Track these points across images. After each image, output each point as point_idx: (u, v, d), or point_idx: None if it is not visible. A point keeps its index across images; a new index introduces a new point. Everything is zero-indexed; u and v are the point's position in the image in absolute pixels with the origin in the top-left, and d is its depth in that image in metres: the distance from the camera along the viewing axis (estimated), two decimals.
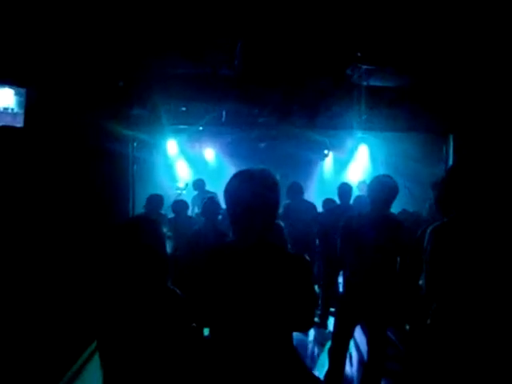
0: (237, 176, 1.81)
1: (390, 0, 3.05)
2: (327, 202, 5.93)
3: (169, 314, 1.81)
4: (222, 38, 3.59)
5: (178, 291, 1.88)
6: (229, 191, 1.80)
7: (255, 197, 1.73)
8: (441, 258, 2.28)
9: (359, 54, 3.86)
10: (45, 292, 3.65)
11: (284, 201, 5.79)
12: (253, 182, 1.76)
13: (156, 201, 5.45)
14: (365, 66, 4.14)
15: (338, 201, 5.68)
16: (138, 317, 1.78)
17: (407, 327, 4.36)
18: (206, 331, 1.84)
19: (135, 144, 6.25)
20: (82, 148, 4.59)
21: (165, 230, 5.22)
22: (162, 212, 5.61)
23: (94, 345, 3.27)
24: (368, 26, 3.40)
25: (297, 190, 5.60)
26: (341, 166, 9.10)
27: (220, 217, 4.22)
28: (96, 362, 1.90)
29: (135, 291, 1.81)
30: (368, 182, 5.80)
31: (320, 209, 5.90)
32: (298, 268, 1.75)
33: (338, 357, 3.51)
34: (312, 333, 5.06)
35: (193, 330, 1.87)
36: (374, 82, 4.68)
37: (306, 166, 8.90)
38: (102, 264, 2.07)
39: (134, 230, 1.85)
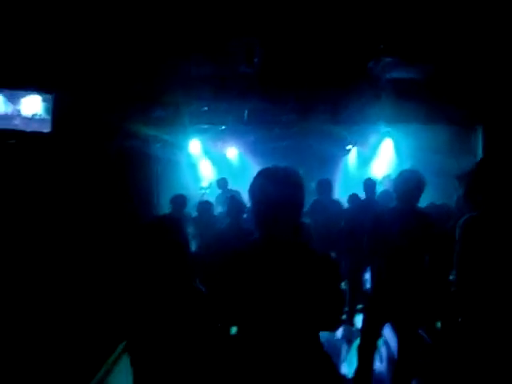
0: (261, 174, 1.81)
1: None
2: (353, 198, 5.87)
3: (195, 312, 1.82)
4: (241, 37, 3.59)
5: (203, 290, 1.89)
6: (253, 190, 1.80)
7: (280, 195, 1.72)
8: (472, 252, 2.22)
9: (381, 47, 3.78)
10: (74, 291, 3.73)
11: (312, 197, 5.76)
12: (277, 181, 1.75)
13: (180, 201, 5.50)
14: (387, 59, 4.05)
15: (363, 196, 5.61)
16: (166, 316, 1.79)
17: (438, 325, 4.27)
18: (233, 330, 1.85)
19: (159, 145, 6.33)
20: (107, 150, 4.67)
21: (189, 229, 5.30)
22: (187, 211, 5.66)
23: (122, 346, 3.31)
24: (389, 17, 3.32)
25: (326, 187, 5.57)
26: (365, 161, 8.98)
27: (245, 215, 4.22)
28: (125, 363, 1.93)
29: (161, 290, 1.83)
30: (392, 176, 5.71)
31: (345, 204, 5.84)
32: (324, 267, 1.74)
33: (367, 354, 3.47)
34: (339, 330, 5.01)
35: (218, 328, 1.88)
36: (396, 74, 4.58)
37: (329, 161, 8.83)
38: (130, 263, 2.09)
39: (158, 230, 1.87)
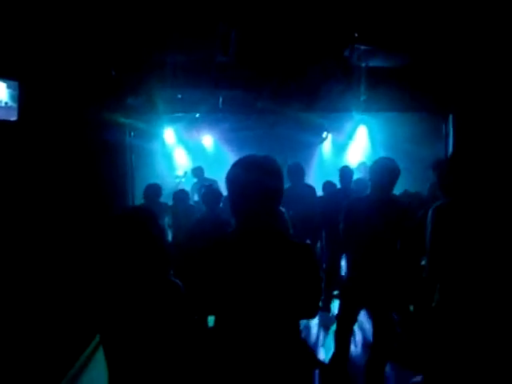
0: (238, 164, 1.78)
1: None
2: (327, 185, 5.90)
3: (170, 306, 1.80)
4: (216, 25, 3.51)
5: (179, 283, 1.87)
6: (230, 179, 1.77)
7: (258, 184, 1.71)
8: (443, 237, 2.28)
9: (356, 35, 3.79)
10: (45, 286, 3.64)
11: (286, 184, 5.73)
12: (255, 170, 1.73)
13: (154, 190, 5.42)
14: (363, 47, 4.07)
15: (338, 184, 5.65)
16: (140, 309, 1.76)
17: (411, 309, 4.39)
18: (211, 322, 1.83)
19: (132, 133, 6.20)
20: (78, 139, 4.55)
21: (166, 219, 5.23)
22: (162, 200, 5.59)
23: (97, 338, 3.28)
24: (364, 5, 3.32)
25: (298, 173, 5.48)
26: (340, 148, 9.06)
27: (221, 204, 4.20)
28: (101, 355, 1.89)
29: (135, 283, 1.79)
30: (368, 163, 5.77)
31: (319, 192, 5.85)
32: (302, 256, 1.74)
33: (343, 340, 3.53)
34: (316, 317, 5.08)
35: (195, 321, 1.86)
36: (373, 63, 4.60)
37: (305, 149, 8.86)
38: (102, 257, 2.04)
39: (131, 222, 1.82)
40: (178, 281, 1.87)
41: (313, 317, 1.92)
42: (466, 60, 4.90)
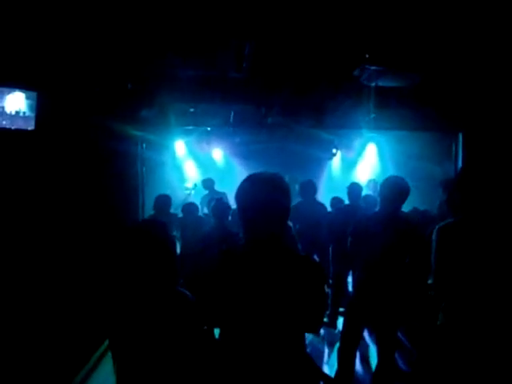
0: (248, 180, 1.82)
1: (395, 2, 3.05)
2: (335, 201, 5.91)
3: (178, 317, 1.82)
4: (231, 41, 3.60)
5: (187, 293, 1.90)
6: (240, 195, 1.81)
7: (267, 201, 1.74)
8: (448, 256, 2.29)
9: (367, 56, 3.86)
10: (57, 293, 3.69)
11: (296, 199, 5.79)
12: (265, 186, 1.76)
13: (163, 201, 5.47)
14: (373, 67, 4.13)
15: (346, 200, 5.67)
16: (148, 320, 1.79)
17: (418, 328, 4.35)
18: (217, 333, 1.86)
19: (144, 145, 6.30)
20: (92, 149, 4.64)
21: (174, 232, 5.26)
22: (172, 212, 5.64)
23: (106, 343, 3.31)
24: (375, 27, 3.39)
25: (310, 189, 5.56)
26: (349, 165, 9.08)
27: (230, 217, 4.24)
28: (109, 360, 1.92)
29: (145, 294, 1.82)
30: (377, 180, 5.79)
31: (328, 208, 5.88)
32: (309, 271, 1.76)
33: (347, 357, 3.51)
34: (321, 332, 5.05)
35: (203, 331, 1.89)
36: (382, 83, 4.66)
37: (315, 165, 8.88)
38: (113, 267, 2.08)
39: (142, 235, 1.86)
40: (186, 291, 1.90)
41: (316, 332, 1.93)
42: (476, 79, 4.94)
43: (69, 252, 4.00)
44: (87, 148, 4.60)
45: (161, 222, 1.98)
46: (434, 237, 2.35)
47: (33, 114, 4.00)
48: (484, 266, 2.19)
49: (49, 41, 3.76)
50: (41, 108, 4.03)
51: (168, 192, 5.98)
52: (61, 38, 3.75)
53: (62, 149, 4.27)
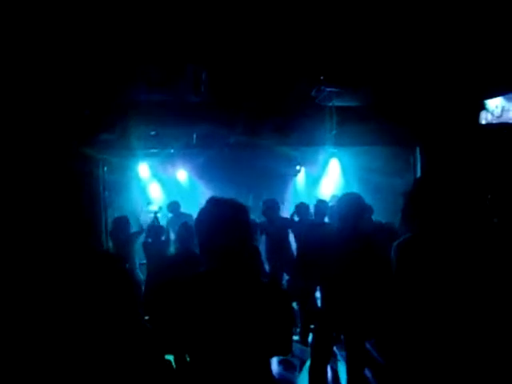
0: (208, 204, 1.84)
1: (347, 27, 3.18)
2: (300, 208, 5.96)
3: (145, 351, 1.78)
4: (187, 67, 3.65)
5: (148, 326, 1.86)
6: (201, 220, 1.82)
7: (230, 219, 1.77)
8: (404, 274, 2.30)
9: (322, 78, 3.99)
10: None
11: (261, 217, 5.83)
12: (225, 207, 1.80)
13: (122, 223, 5.37)
14: (328, 89, 4.28)
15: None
16: (109, 357, 1.74)
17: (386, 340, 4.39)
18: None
19: (105, 168, 6.20)
20: (53, 173, 4.54)
21: (136, 258, 5.11)
22: (133, 234, 5.55)
23: None
24: (329, 51, 3.52)
25: (273, 207, 5.67)
26: (313, 180, 9.19)
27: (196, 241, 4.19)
28: None
29: (111, 330, 1.77)
30: (339, 195, 5.89)
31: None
32: (273, 296, 1.78)
33: (318, 374, 3.51)
34: (293, 349, 5.02)
35: (166, 363, 1.85)
36: (338, 103, 4.83)
37: (279, 182, 8.95)
38: (74, 297, 2.01)
39: (101, 274, 1.81)
40: (147, 324, 1.86)
41: (286, 354, 1.94)
42: (430, 95, 5.17)
43: (25, 279, 3.83)
44: (47, 172, 4.49)
45: (116, 257, 1.93)
46: (392, 254, 2.38)
47: None
48: (441, 282, 2.21)
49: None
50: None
51: (132, 215, 5.89)
52: (16, 63, 3.69)
53: (20, 173, 4.16)
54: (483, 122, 5.34)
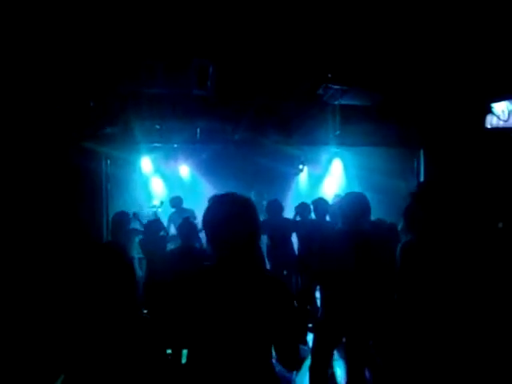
0: (218, 200, 1.83)
1: (356, 24, 3.16)
2: (301, 208, 5.91)
3: (144, 344, 1.76)
4: (193, 61, 3.63)
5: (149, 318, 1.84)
6: (209, 217, 1.80)
7: (236, 218, 1.75)
8: (408, 275, 2.32)
9: (329, 76, 3.97)
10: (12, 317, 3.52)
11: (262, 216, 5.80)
12: (233, 205, 1.78)
13: (121, 219, 5.34)
14: (335, 87, 4.25)
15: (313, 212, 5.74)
16: (110, 349, 1.72)
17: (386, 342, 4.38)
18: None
19: (108, 161, 6.18)
20: (56, 167, 4.54)
21: (135, 251, 5.09)
22: (133, 230, 5.52)
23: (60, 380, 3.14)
24: (337, 48, 3.50)
25: (276, 209, 5.65)
26: (316, 180, 9.18)
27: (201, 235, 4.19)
28: None
29: (109, 322, 1.76)
30: (342, 195, 5.87)
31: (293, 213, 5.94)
32: (276, 291, 1.77)
33: (319, 376, 3.48)
34: None
35: (167, 357, 1.83)
36: (345, 101, 4.80)
37: (282, 180, 8.94)
38: (74, 291, 2.00)
39: (101, 264, 1.79)
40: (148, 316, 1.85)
41: (296, 356, 1.88)
42: (435, 98, 5.15)
43: (30, 272, 3.84)
44: (50, 166, 4.49)
45: (118, 248, 1.91)
46: (397, 255, 2.39)
47: None
48: (443, 283, 2.23)
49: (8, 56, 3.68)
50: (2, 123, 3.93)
51: (134, 209, 5.88)
52: (31, 52, 3.68)
53: (24, 166, 4.16)
54: (489, 125, 5.31)
